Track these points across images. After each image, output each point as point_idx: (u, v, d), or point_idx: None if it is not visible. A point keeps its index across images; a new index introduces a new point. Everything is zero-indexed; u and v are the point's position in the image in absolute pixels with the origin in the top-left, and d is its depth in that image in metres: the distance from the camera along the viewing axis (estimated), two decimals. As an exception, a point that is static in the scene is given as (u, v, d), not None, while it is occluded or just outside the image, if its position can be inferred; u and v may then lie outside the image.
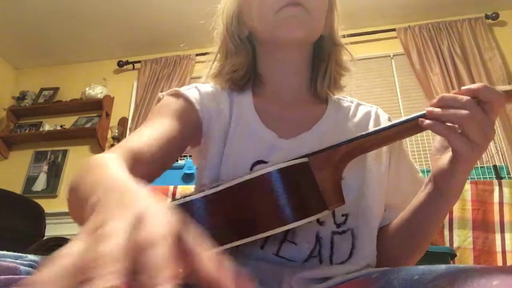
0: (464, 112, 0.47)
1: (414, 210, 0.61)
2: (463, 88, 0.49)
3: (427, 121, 0.50)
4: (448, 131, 0.49)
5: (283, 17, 0.63)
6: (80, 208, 0.34)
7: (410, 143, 2.39)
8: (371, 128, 0.70)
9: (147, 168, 0.54)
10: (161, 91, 0.73)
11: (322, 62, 0.73)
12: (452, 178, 0.52)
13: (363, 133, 0.54)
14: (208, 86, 0.71)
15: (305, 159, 0.51)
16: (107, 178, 0.35)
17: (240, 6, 0.71)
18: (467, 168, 0.50)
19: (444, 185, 0.54)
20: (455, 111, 0.48)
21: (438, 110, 0.49)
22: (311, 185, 0.50)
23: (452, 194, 0.55)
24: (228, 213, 0.46)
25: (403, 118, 0.53)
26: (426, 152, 2.35)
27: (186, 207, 0.46)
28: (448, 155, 0.52)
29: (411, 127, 0.52)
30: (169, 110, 0.64)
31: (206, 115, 0.66)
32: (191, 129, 0.65)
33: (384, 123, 0.72)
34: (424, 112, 0.51)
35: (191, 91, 0.68)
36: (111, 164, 0.41)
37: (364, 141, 0.54)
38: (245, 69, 0.71)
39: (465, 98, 0.48)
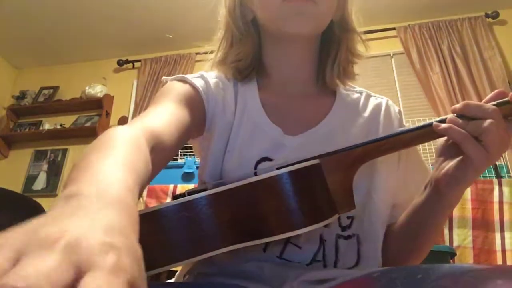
0: (488, 122, 0.46)
1: (413, 212, 0.60)
2: (499, 90, 0.48)
3: (443, 125, 0.48)
4: (464, 138, 0.47)
5: (289, 12, 0.60)
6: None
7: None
8: (382, 121, 0.67)
9: (167, 152, 0.52)
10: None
11: (331, 49, 0.69)
12: (457, 184, 0.51)
13: (379, 137, 0.52)
14: (213, 75, 0.69)
15: (316, 161, 0.48)
16: (94, 174, 0.31)
17: None
18: (475, 175, 0.49)
19: (446, 189, 0.52)
20: (479, 122, 0.46)
21: (459, 120, 0.48)
22: (322, 188, 0.48)
23: (453, 199, 0.54)
24: (234, 215, 0.44)
25: (423, 123, 0.51)
26: (426, 151, 2.35)
27: (189, 206, 0.43)
28: (455, 159, 0.51)
29: (430, 132, 0.50)
30: (178, 95, 0.61)
31: (211, 106, 0.64)
32: (197, 117, 0.62)
33: (395, 116, 0.69)
34: (445, 117, 0.49)
35: (198, 80, 0.65)
36: (117, 151, 0.37)
37: (379, 145, 0.51)
38: (250, 58, 0.68)
39: (491, 107, 0.47)
